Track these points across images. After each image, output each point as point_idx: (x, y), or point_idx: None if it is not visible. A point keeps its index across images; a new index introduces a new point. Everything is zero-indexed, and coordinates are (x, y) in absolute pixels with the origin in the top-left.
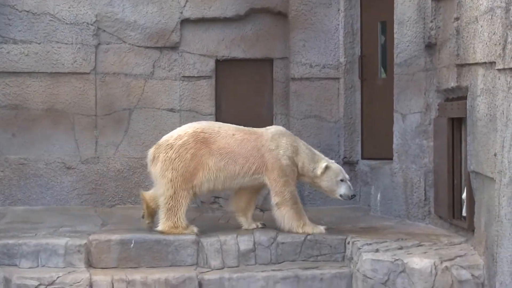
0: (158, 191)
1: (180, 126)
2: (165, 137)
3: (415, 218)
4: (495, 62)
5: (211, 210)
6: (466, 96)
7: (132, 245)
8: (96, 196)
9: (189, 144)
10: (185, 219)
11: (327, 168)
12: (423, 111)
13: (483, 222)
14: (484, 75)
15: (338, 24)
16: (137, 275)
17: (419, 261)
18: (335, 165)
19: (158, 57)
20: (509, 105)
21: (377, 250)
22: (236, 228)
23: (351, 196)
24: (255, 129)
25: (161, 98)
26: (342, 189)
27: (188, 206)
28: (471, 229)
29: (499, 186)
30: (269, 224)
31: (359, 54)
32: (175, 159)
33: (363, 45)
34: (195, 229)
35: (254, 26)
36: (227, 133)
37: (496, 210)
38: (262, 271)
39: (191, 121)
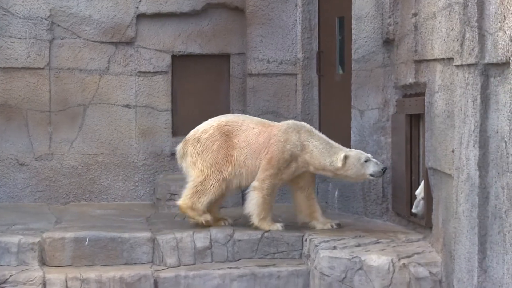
0: (189, 179)
1: (135, 122)
2: (191, 132)
3: (373, 215)
4: (453, 58)
5: (167, 207)
6: (424, 92)
7: (86, 243)
8: (50, 193)
9: (215, 137)
10: (206, 208)
11: (346, 158)
12: (381, 107)
13: (440, 219)
14: (442, 71)
15: (296, 20)
16: (91, 273)
17: (377, 258)
18: (353, 152)
19: (113, 52)
20: (467, 102)
21: (334, 248)
22: (192, 225)
23: (382, 170)
24: (274, 123)
25: (117, 93)
26: (370, 169)
27: (214, 198)
28: (429, 226)
29: (457, 183)
30: (344, 224)
31: (317, 49)
32: (202, 152)
33: (321, 40)
34: (209, 217)
35: (211, 22)
36: (248, 126)
37: (454, 207)
38: (219, 269)
39: (147, 117)
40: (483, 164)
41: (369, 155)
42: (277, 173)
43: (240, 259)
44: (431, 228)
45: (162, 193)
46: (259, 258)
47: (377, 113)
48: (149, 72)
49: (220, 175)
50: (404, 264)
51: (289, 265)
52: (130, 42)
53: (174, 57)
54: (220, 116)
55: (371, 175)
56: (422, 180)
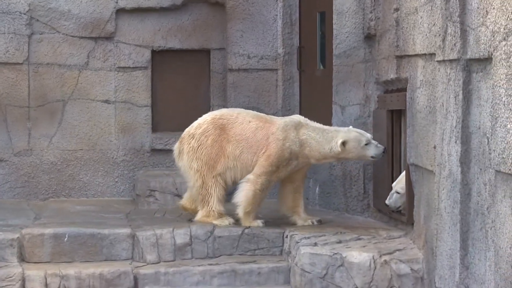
0: (189, 183)
1: (115, 118)
2: (186, 129)
3: (354, 212)
4: (435, 54)
5: (147, 204)
6: (406, 88)
7: (66, 239)
8: (29, 189)
9: (209, 131)
10: (220, 207)
11: (344, 143)
12: (362, 103)
13: (422, 216)
14: (424, 66)
15: (277, 15)
16: (71, 270)
17: (358, 255)
18: (353, 134)
19: (92, 47)
20: (449, 97)
21: (315, 244)
22: (172, 221)
23: (383, 152)
24: (273, 117)
25: (96, 89)
26: (371, 151)
27: (221, 195)
28: (410, 222)
29: (438, 179)
30: (325, 220)
31: (298, 45)
32: (197, 148)
33: (302, 36)
34: (229, 221)
35: (191, 17)
36: (244, 119)
37: (435, 203)
38: (199, 265)
39: (126, 113)
40: (465, 160)
41: (369, 136)
42: (275, 171)
43: (220, 256)
44: (412, 224)
45: (141, 189)
46: (240, 254)
47: (358, 109)
48: (129, 67)
49: (214, 170)
50: (385, 260)
51: (269, 262)
52: (109, 37)
53: (154, 52)
54: (215, 110)
55: (372, 157)
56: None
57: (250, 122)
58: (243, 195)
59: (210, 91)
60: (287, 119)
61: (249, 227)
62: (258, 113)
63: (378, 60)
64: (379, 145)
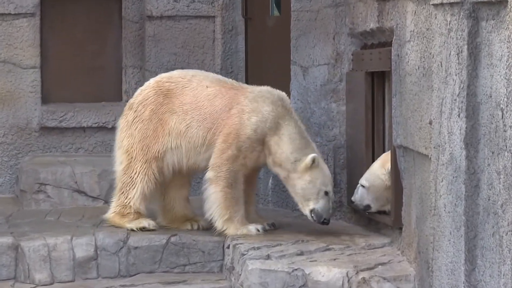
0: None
1: None
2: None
3: None
4: None
5: (35, 202)
6: (391, 42)
7: None
8: None
9: (149, 99)
10: (141, 206)
11: (314, 164)
12: (332, 63)
13: (414, 217)
14: (415, 12)
15: None
16: None
17: (327, 272)
18: (326, 168)
19: None
20: (450, 54)
21: (268, 257)
22: (70, 226)
23: (323, 220)
24: (244, 85)
25: None
26: (319, 204)
27: (149, 189)
28: (397, 226)
29: (436, 166)
30: (280, 224)
31: None
32: (132, 122)
33: None
34: (145, 223)
35: None
36: (200, 84)
37: (431, 200)
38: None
39: (6, 77)
40: (471, 141)
41: (332, 192)
42: (237, 155)
43: (137, 274)
44: (401, 229)
45: (28, 182)
46: (164, 272)
47: (326, 70)
48: (9, 14)
49: (149, 152)
50: (363, 278)
51: (205, 282)
52: None
53: None
54: (166, 73)
55: (311, 211)
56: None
57: (207, 87)
58: (212, 202)
59: (122, 46)
60: (264, 89)
61: (232, 234)
62: (223, 77)
63: (353, 4)
64: (330, 210)
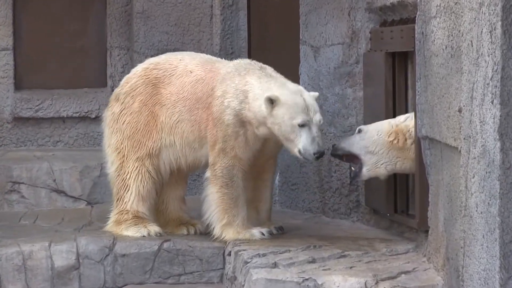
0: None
1: None
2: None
3: (336, 213)
4: None
5: (7, 204)
6: (414, 18)
7: None
8: None
9: (137, 89)
10: (141, 208)
11: (272, 101)
12: (347, 42)
13: (441, 218)
14: None
15: None
16: None
17: (342, 281)
18: (292, 99)
19: None
20: (481, 32)
21: (274, 265)
22: (48, 231)
23: (316, 153)
24: (221, 62)
25: None
26: (301, 140)
27: (146, 189)
28: (423, 229)
29: (466, 160)
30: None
31: None
32: (120, 114)
33: None
34: (153, 229)
35: None
36: (186, 68)
37: (462, 199)
38: None
39: None
40: (506, 131)
41: (314, 117)
42: (224, 148)
43: (124, 285)
44: (426, 232)
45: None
46: (156, 282)
47: (341, 50)
48: None
49: (141, 149)
50: None
51: None
52: None
53: None
54: (155, 57)
55: (299, 151)
56: None
57: (191, 72)
58: (209, 204)
59: (107, 25)
60: (234, 62)
61: (248, 240)
62: (209, 57)
63: None
64: (320, 142)
